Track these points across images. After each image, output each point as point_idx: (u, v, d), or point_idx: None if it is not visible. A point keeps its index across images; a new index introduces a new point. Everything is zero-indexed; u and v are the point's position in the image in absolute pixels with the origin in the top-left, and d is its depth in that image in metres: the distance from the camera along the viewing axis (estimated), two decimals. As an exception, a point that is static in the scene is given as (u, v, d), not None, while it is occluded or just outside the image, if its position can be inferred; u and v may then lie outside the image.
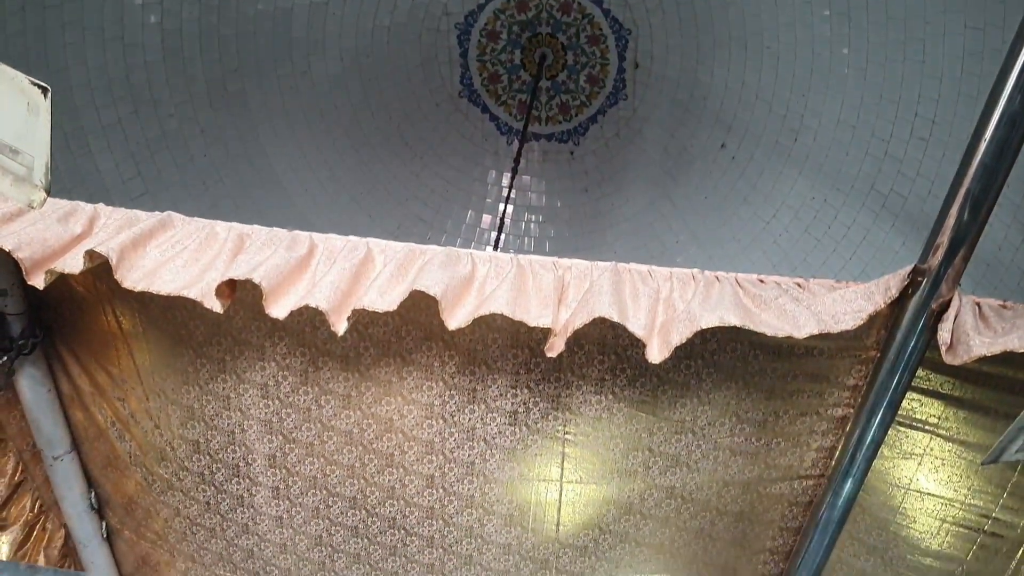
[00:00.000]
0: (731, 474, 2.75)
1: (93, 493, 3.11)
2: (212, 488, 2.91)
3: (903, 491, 2.71)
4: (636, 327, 2.07)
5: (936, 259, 2.11)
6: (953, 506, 2.69)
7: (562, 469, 2.78)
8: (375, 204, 7.76)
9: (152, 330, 2.57)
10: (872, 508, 2.78)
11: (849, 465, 2.56)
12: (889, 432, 2.51)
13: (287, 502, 2.92)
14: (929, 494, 2.68)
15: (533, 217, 8.25)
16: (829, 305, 2.10)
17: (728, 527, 2.91)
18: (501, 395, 2.63)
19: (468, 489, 2.84)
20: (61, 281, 2.53)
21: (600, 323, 2.44)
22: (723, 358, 2.48)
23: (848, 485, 2.61)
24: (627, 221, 8.00)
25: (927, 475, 2.64)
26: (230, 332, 2.53)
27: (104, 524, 3.21)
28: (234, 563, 3.18)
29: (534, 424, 2.68)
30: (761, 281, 2.21)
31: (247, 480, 2.87)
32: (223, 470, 2.85)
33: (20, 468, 2.89)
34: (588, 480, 2.80)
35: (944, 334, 2.06)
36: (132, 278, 2.12)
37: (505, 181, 8.04)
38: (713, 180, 7.32)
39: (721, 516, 2.87)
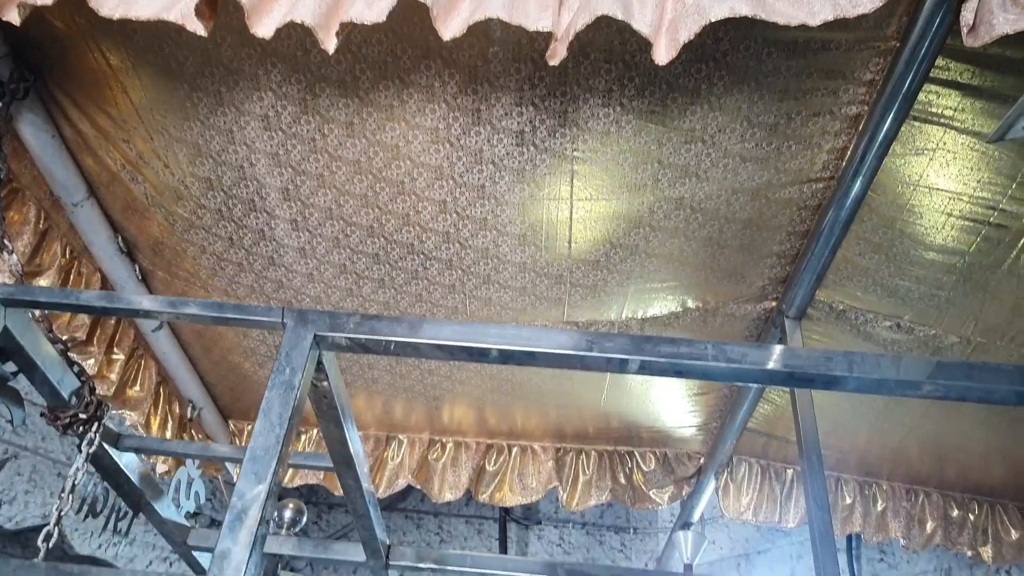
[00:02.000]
0: (740, 181, 2.76)
1: (120, 237, 3.21)
2: (232, 224, 2.99)
3: (912, 188, 2.71)
4: (642, 25, 1.95)
5: (969, -71, 1.91)
6: (961, 200, 2.70)
7: (572, 187, 2.80)
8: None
9: (142, 65, 2.49)
10: (880, 207, 2.81)
11: (860, 164, 2.55)
12: (902, 128, 2.46)
13: (307, 233, 3.01)
14: (938, 189, 2.69)
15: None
16: (848, -13, 1.95)
17: (736, 234, 2.98)
18: (506, 114, 2.58)
19: (480, 212, 2.90)
20: (42, 20, 2.41)
21: (606, 27, 2.30)
22: (735, 58, 2.38)
23: (857, 184, 2.63)
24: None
25: (938, 170, 2.63)
26: (220, 61, 2.44)
27: (137, 266, 3.36)
28: (266, 294, 3.36)
29: (541, 143, 2.65)
30: (777, -33, 2.04)
31: (264, 214, 2.94)
32: (239, 205, 2.91)
33: (43, 216, 2.95)
34: (598, 197, 2.83)
35: (968, 14, 1.92)
36: (108, 5, 2.00)
37: None
38: None
39: (729, 224, 2.93)
